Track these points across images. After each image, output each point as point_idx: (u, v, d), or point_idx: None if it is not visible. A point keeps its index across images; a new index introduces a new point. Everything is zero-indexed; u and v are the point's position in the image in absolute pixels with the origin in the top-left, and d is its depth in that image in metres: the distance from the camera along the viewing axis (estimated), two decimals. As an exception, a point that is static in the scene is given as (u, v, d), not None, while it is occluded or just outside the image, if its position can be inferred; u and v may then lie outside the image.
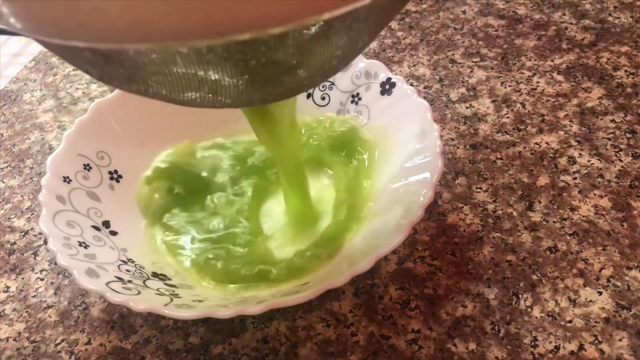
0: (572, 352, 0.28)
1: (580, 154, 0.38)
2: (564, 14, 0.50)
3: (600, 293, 0.30)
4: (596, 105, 0.41)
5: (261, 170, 0.37)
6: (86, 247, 0.31)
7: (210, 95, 0.22)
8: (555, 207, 0.35)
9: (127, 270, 0.31)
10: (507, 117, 0.41)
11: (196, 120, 0.39)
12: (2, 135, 0.45)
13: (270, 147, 0.32)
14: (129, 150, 0.37)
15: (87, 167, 0.35)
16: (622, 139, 0.38)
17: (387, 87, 0.36)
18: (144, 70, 0.20)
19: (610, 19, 0.49)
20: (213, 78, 0.20)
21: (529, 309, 0.30)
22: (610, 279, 0.31)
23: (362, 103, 0.38)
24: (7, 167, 0.42)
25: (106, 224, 0.34)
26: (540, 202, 0.35)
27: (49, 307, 0.33)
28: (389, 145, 0.36)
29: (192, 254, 0.33)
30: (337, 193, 0.35)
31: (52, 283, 0.34)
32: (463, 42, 0.48)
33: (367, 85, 0.37)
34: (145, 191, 0.36)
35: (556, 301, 0.30)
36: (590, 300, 0.30)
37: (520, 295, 0.31)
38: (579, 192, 0.35)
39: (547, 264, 0.32)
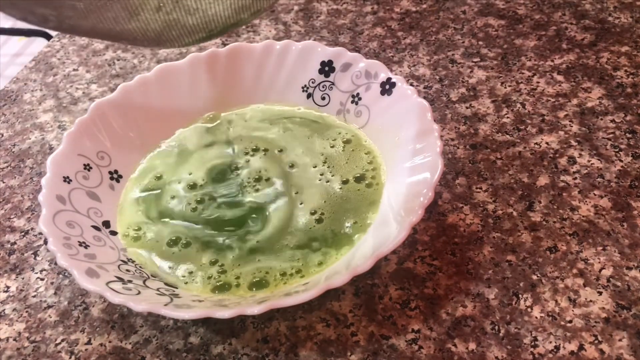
0: (572, 352, 0.28)
1: (580, 154, 0.38)
2: (564, 14, 0.50)
3: (600, 293, 0.30)
4: (596, 105, 0.41)
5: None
6: (86, 247, 0.31)
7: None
8: (555, 207, 0.35)
9: (127, 270, 0.31)
10: (507, 117, 0.41)
11: (195, 119, 0.39)
12: (2, 135, 0.45)
13: None
14: (129, 150, 0.37)
15: (87, 167, 0.35)
16: (622, 139, 0.38)
17: (387, 87, 0.36)
18: None
19: (610, 19, 0.49)
20: None
21: (529, 309, 0.30)
22: (610, 279, 0.31)
23: (362, 103, 0.38)
24: (7, 167, 0.42)
25: (106, 224, 0.34)
26: (540, 202, 0.35)
27: (49, 307, 0.33)
28: (389, 145, 0.36)
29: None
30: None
31: (52, 283, 0.34)
32: (463, 42, 0.48)
33: (367, 85, 0.37)
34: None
35: (556, 301, 0.30)
36: (590, 300, 0.30)
37: (520, 295, 0.31)
38: (579, 192, 0.35)
39: (547, 264, 0.32)
